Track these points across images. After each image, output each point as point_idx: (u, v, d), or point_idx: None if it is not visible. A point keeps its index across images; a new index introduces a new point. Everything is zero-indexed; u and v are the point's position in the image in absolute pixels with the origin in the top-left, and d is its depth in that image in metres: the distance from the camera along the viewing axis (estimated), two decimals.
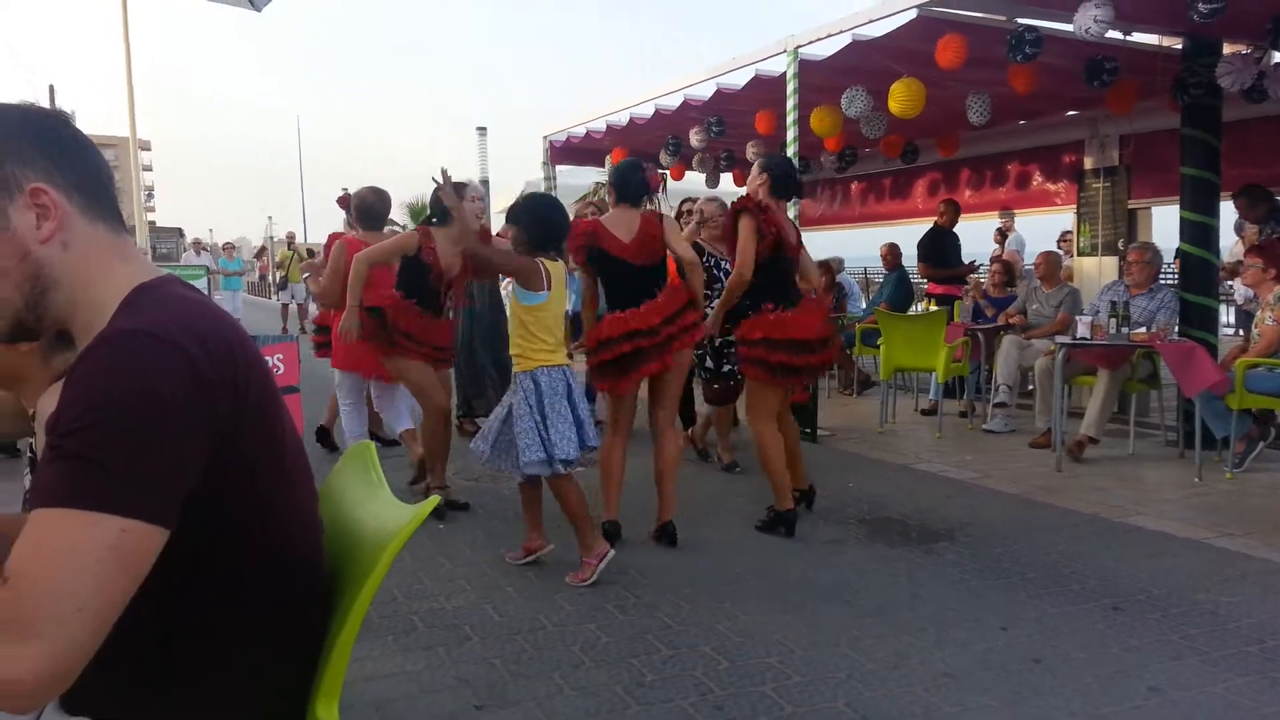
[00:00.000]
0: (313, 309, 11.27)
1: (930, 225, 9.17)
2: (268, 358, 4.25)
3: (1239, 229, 8.50)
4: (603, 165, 10.70)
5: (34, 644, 0.98)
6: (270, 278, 25.60)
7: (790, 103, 6.69)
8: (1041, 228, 10.79)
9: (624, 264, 4.34)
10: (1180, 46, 6.40)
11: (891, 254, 10.13)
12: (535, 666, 3.11)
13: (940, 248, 9.02)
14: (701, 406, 6.47)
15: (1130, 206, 8.03)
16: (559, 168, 11.26)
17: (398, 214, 19.17)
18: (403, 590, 3.82)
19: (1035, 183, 9.24)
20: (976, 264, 9.63)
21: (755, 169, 4.71)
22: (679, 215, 6.74)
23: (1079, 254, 8.57)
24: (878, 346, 7.80)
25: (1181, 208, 6.51)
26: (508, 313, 4.55)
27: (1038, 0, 5.66)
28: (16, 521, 1.32)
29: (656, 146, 9.94)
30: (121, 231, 1.27)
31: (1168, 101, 6.61)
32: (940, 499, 5.29)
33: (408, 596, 3.77)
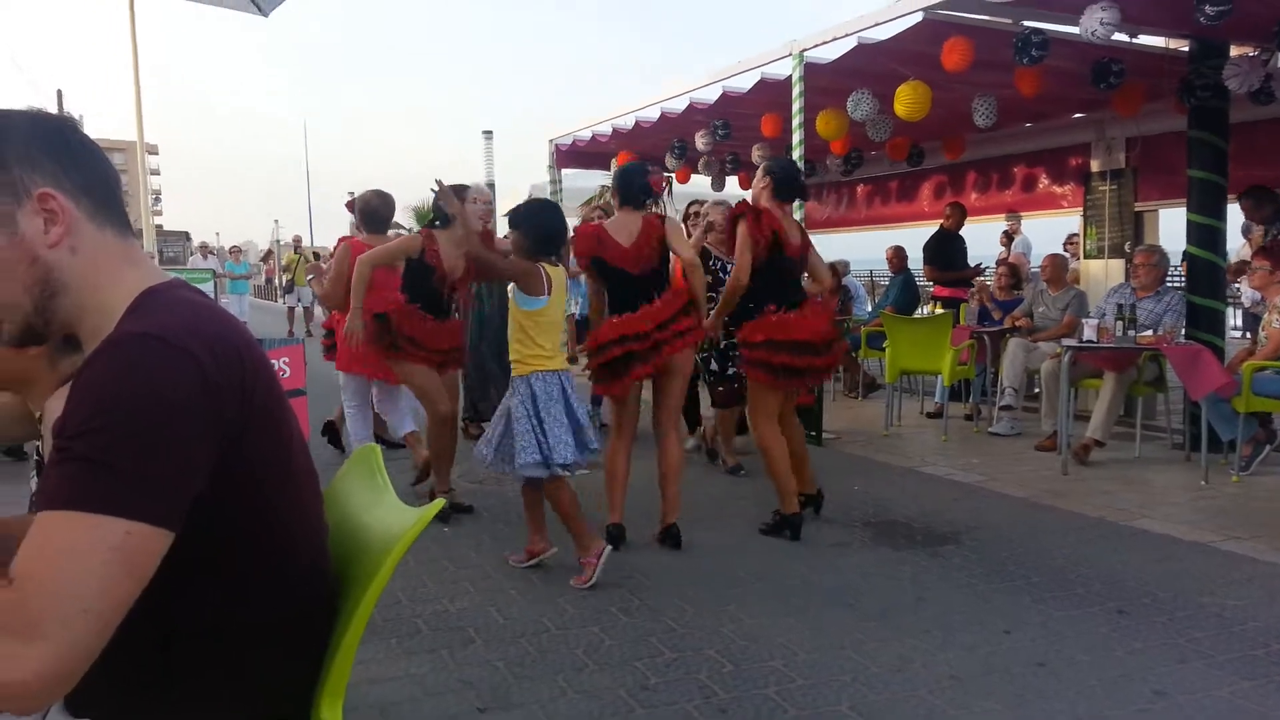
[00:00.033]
0: (319, 313, 11.30)
1: (936, 228, 9.16)
2: (274, 361, 4.27)
3: (1246, 232, 8.47)
4: (608, 169, 10.72)
5: (39, 645, 0.98)
6: (277, 281, 25.67)
7: (796, 106, 6.70)
8: (1048, 230, 10.78)
9: (622, 270, 4.38)
10: (1187, 49, 6.39)
11: (897, 257, 10.13)
12: (539, 669, 3.12)
13: (946, 251, 9.00)
14: (707, 410, 6.48)
15: (1137, 209, 8.02)
16: (564, 171, 11.29)
17: (403, 217, 19.20)
18: (407, 593, 3.83)
19: (1041, 185, 9.23)
20: (982, 267, 9.62)
21: (759, 172, 4.74)
22: (686, 218, 6.74)
23: (1085, 257, 8.57)
24: (883, 349, 7.81)
25: (1188, 210, 6.50)
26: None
27: (1044, 3, 5.65)
28: (23, 523, 1.33)
29: (662, 150, 9.95)
30: (129, 236, 1.28)
31: (1174, 104, 6.59)
32: (945, 502, 5.29)
33: (412, 599, 3.78)
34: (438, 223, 4.94)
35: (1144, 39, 6.36)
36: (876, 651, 3.22)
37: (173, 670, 1.24)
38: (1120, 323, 6.01)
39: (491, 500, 5.31)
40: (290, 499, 1.29)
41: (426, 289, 4.85)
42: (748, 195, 4.87)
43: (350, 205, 6.10)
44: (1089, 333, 6.04)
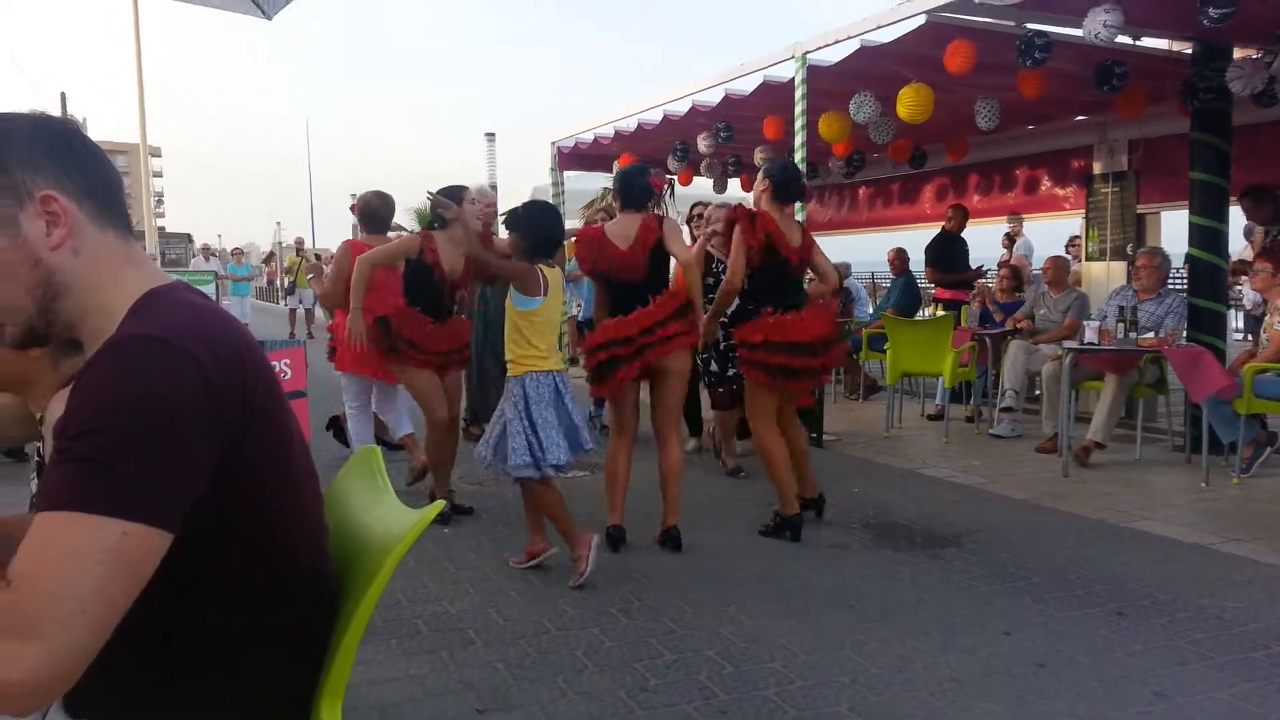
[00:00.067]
0: (320, 315, 11.30)
1: (938, 230, 9.16)
2: (275, 363, 4.28)
3: (1248, 234, 8.48)
4: (610, 171, 10.73)
5: (36, 645, 0.99)
6: (279, 283, 25.71)
7: (799, 108, 6.69)
8: (1050, 233, 10.78)
9: (618, 273, 4.42)
10: (1190, 51, 6.38)
11: (899, 259, 10.13)
12: (539, 670, 3.12)
13: (948, 253, 9.00)
14: (708, 412, 6.48)
15: (1139, 211, 8.02)
16: (567, 173, 11.29)
17: (404, 219, 19.21)
18: (407, 594, 3.84)
19: (1044, 188, 9.23)
20: (984, 269, 9.62)
21: (759, 175, 4.77)
22: (689, 220, 6.76)
23: (1087, 259, 8.56)
24: (884, 351, 7.81)
25: (1191, 213, 6.49)
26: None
27: (1047, 5, 5.65)
28: (22, 522, 1.34)
29: (664, 152, 9.96)
30: (130, 238, 1.29)
31: (1177, 106, 6.59)
32: (946, 504, 5.29)
33: (412, 600, 3.78)
34: (436, 225, 4.95)
35: (1147, 41, 6.35)
36: (877, 653, 3.22)
37: (173, 671, 1.24)
38: (1122, 325, 6.01)
39: (491, 502, 5.32)
40: (291, 500, 1.29)
41: (427, 291, 4.85)
42: (750, 197, 4.90)
43: (354, 209, 6.12)
44: (1090, 335, 6.04)
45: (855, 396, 9.38)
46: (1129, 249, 7.87)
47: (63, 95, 30.86)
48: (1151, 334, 6.04)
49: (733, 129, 8.58)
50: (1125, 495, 5.40)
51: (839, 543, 4.57)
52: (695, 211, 6.66)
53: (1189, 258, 6.69)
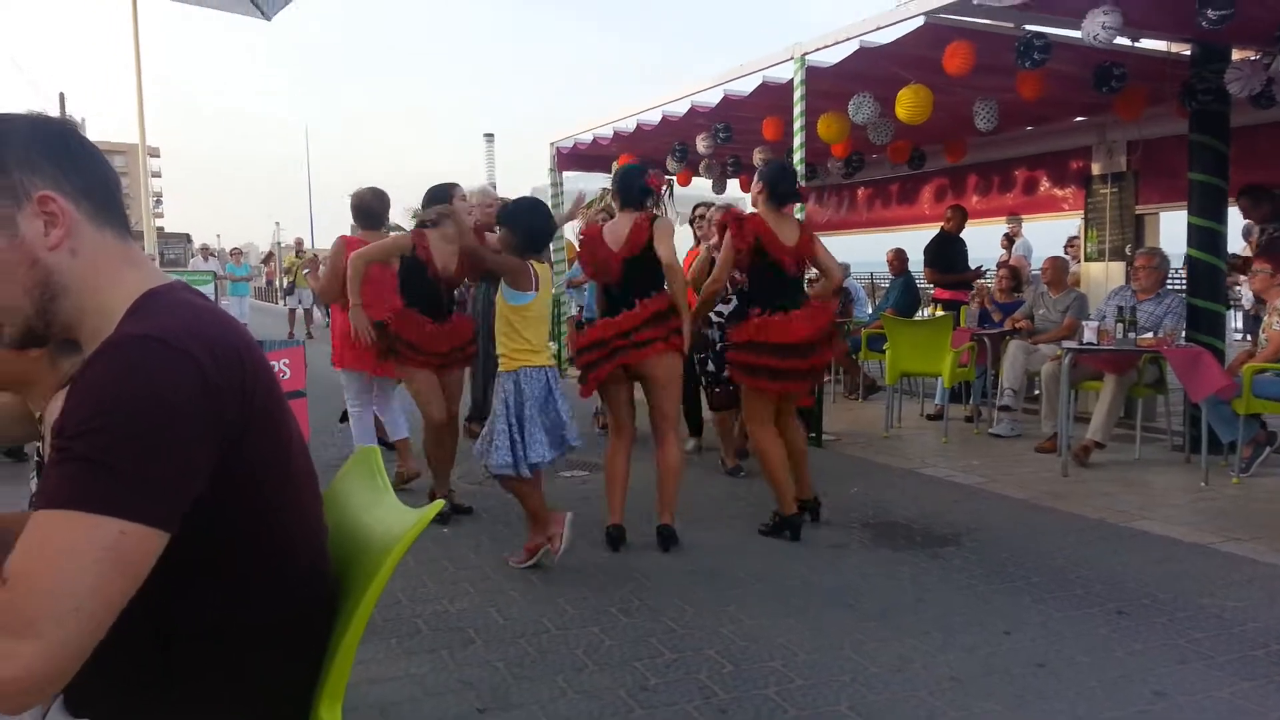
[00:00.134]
0: (319, 315, 11.28)
1: (937, 231, 9.17)
2: (274, 363, 4.28)
3: (1247, 234, 8.48)
4: (609, 171, 10.74)
5: (31, 643, 0.99)
6: (277, 283, 25.69)
7: (797, 109, 6.70)
8: (1049, 233, 10.80)
9: (608, 274, 4.46)
10: (1189, 52, 6.39)
11: (898, 259, 10.13)
12: (538, 669, 3.12)
13: (947, 253, 9.01)
14: (707, 412, 6.48)
15: (1138, 212, 8.03)
16: (566, 174, 11.30)
17: (402, 219, 19.24)
18: (407, 593, 3.84)
19: (1043, 188, 9.24)
20: (983, 269, 9.62)
21: (755, 178, 4.78)
22: (692, 220, 6.77)
23: (1086, 259, 8.57)
24: (883, 351, 7.81)
25: (1189, 213, 6.50)
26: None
27: (1046, 7, 5.66)
28: (20, 519, 1.34)
29: (663, 152, 9.96)
30: (128, 238, 1.29)
31: (1176, 107, 6.60)
32: (945, 504, 5.29)
33: (411, 600, 3.78)
34: (429, 223, 4.97)
35: (1146, 43, 6.36)
36: (876, 652, 3.23)
37: (172, 671, 1.24)
38: (1120, 325, 6.02)
39: (491, 501, 5.31)
40: (290, 500, 1.29)
41: (423, 289, 4.86)
42: (749, 198, 4.94)
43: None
44: (1089, 335, 6.05)
45: (855, 396, 9.38)
46: (1128, 249, 7.88)
47: (61, 95, 30.90)
48: (1150, 334, 6.04)
49: (732, 130, 8.59)
50: (1125, 495, 5.41)
51: (838, 542, 4.57)
52: (698, 213, 6.67)
53: (1188, 258, 6.70)
